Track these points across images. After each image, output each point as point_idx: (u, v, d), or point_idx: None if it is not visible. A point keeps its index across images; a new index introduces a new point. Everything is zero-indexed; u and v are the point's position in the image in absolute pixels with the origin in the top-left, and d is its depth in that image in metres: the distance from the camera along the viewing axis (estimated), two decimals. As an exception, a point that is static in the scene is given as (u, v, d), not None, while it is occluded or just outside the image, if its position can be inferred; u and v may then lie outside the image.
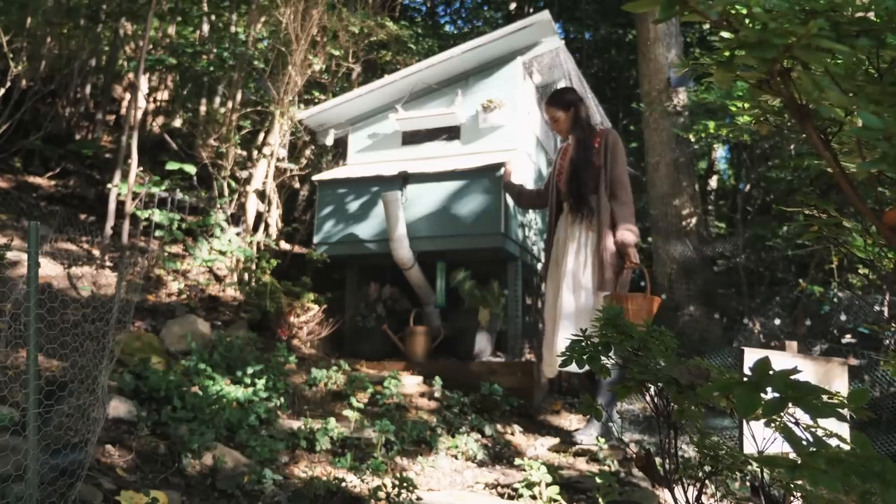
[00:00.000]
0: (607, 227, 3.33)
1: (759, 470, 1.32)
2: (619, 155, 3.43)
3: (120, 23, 7.16)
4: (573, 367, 2.95)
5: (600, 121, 5.43)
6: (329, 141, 5.31)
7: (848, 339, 4.77)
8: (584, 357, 1.35)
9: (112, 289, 4.04)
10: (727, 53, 1.16)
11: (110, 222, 5.01)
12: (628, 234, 3.28)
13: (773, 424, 1.14)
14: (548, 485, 2.60)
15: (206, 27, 8.12)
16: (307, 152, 6.12)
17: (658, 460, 1.59)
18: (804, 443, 0.98)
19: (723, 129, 5.05)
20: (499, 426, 3.49)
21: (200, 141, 5.57)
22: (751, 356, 2.67)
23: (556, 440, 3.44)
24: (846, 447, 1.03)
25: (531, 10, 10.37)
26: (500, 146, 4.59)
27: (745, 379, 1.07)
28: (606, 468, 2.97)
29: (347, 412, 3.18)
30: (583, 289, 3.31)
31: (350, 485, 2.51)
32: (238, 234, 5.10)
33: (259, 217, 5.39)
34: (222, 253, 4.68)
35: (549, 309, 3.51)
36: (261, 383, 3.19)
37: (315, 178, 4.96)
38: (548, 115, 3.64)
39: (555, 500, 2.56)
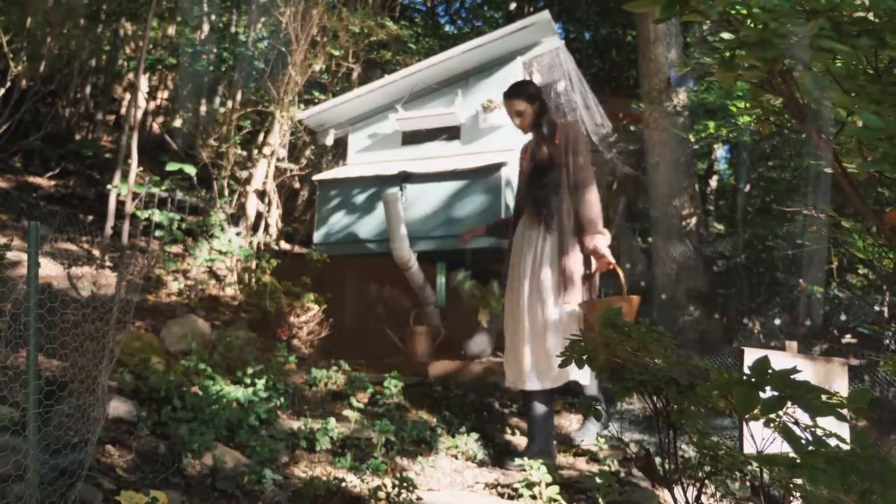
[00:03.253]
0: (570, 233, 3.02)
1: (758, 470, 1.32)
2: (582, 150, 3.11)
3: (120, 23, 7.17)
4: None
5: (601, 121, 5.42)
6: (329, 141, 5.31)
7: (848, 339, 4.77)
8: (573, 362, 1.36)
9: (112, 289, 4.05)
10: (728, 53, 1.16)
11: (110, 222, 5.02)
12: (599, 237, 3.00)
13: (772, 424, 1.14)
14: (548, 485, 2.60)
15: (206, 27, 8.12)
16: (307, 152, 6.12)
17: (658, 460, 1.59)
18: (803, 442, 0.98)
19: (723, 129, 5.05)
20: (499, 426, 3.49)
21: (200, 141, 5.57)
22: (751, 356, 2.67)
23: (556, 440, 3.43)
24: (846, 447, 1.03)
25: (531, 10, 10.36)
26: (500, 146, 4.59)
27: (745, 378, 1.07)
28: (606, 468, 2.97)
29: (347, 412, 3.17)
30: (543, 299, 3.02)
31: (350, 485, 2.51)
32: (238, 234, 5.10)
33: (259, 217, 5.40)
34: (222, 253, 4.68)
35: (507, 319, 3.19)
36: (261, 383, 3.18)
37: (315, 178, 4.96)
38: (509, 110, 3.23)
39: (555, 500, 2.56)
